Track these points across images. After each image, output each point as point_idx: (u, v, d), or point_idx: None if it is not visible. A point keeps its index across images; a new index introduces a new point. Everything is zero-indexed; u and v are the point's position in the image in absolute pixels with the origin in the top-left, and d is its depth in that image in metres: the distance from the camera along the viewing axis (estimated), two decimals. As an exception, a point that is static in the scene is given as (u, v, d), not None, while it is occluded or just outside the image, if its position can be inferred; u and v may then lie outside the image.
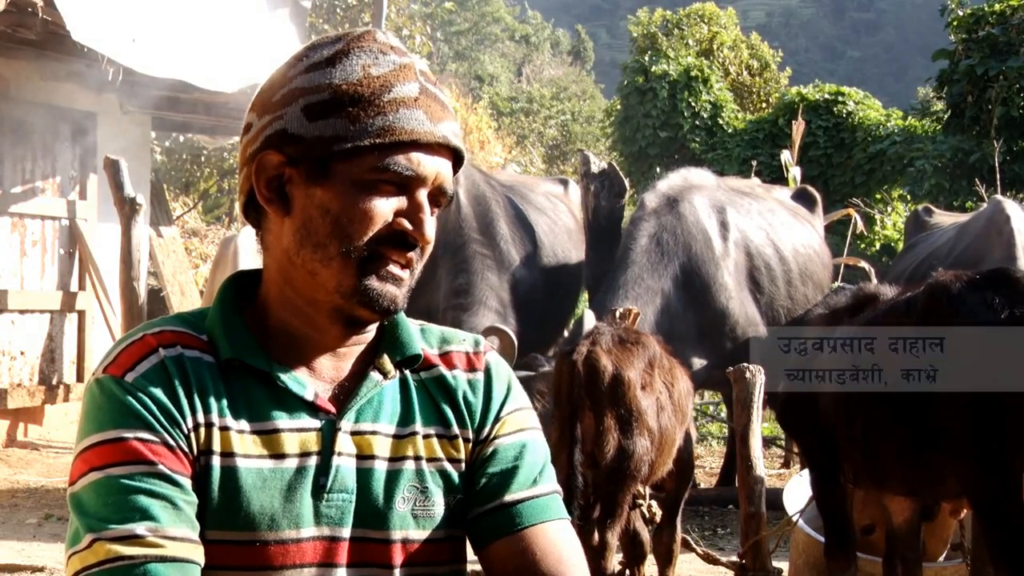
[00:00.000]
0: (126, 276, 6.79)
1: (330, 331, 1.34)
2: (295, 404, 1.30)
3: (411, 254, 1.31)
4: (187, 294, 9.93)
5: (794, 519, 4.50)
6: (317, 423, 1.30)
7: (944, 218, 7.71)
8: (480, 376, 1.41)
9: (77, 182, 9.04)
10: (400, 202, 1.29)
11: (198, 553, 1.22)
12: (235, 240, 8.90)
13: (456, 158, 1.34)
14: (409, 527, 1.32)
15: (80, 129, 9.02)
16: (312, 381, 1.33)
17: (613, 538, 4.03)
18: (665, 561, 4.45)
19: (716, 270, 6.48)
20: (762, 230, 6.93)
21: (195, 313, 1.37)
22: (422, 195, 1.30)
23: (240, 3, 9.27)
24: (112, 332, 8.43)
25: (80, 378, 8.87)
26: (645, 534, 4.38)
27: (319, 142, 1.27)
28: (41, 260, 8.74)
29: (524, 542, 1.34)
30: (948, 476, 3.58)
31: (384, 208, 1.28)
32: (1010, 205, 6.44)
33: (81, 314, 9.01)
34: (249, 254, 8.20)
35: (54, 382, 8.84)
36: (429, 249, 1.34)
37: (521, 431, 1.40)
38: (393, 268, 1.30)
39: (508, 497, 1.35)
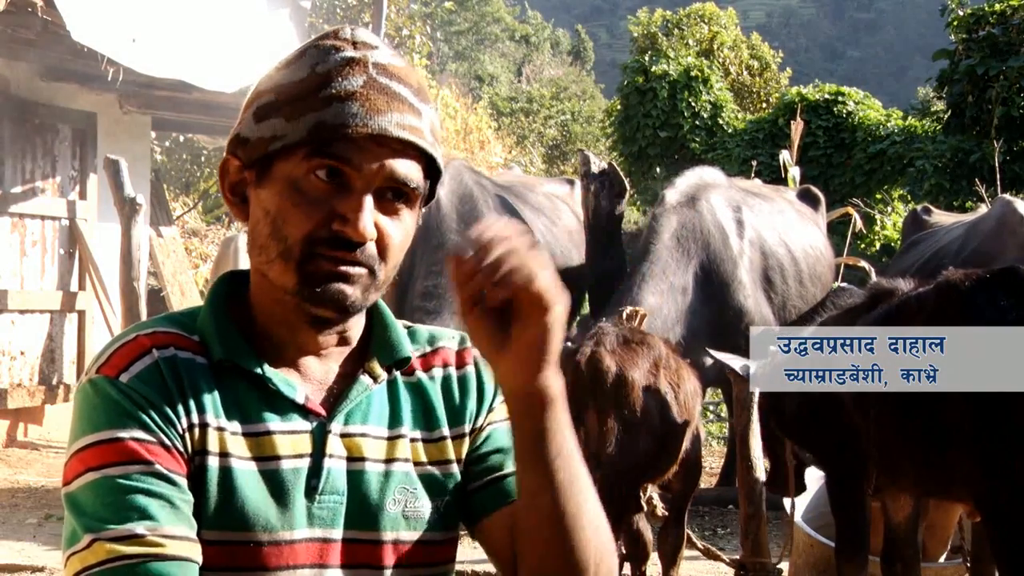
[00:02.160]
0: (126, 276, 6.80)
1: (302, 330, 1.32)
2: (286, 406, 1.30)
3: (359, 252, 1.26)
4: (187, 294, 9.92)
5: (796, 522, 4.49)
6: (308, 425, 1.30)
7: (943, 218, 7.66)
8: (470, 371, 1.41)
9: (77, 182, 9.04)
10: (338, 199, 1.25)
11: (196, 551, 1.21)
12: (235, 240, 8.90)
13: (418, 149, 1.28)
14: (400, 528, 1.32)
15: (80, 129, 9.01)
16: (302, 383, 1.32)
17: (616, 538, 4.01)
18: (670, 561, 4.43)
19: (735, 268, 6.49)
20: (774, 229, 6.93)
21: (185, 313, 1.36)
22: (362, 191, 1.25)
23: (240, 3, 9.28)
24: (112, 332, 8.43)
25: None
26: (648, 534, 4.37)
27: (260, 143, 1.27)
28: (41, 260, 8.74)
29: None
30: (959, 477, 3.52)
31: (315, 207, 1.24)
32: (1022, 205, 6.36)
33: (81, 314, 9.01)
34: (249, 254, 8.19)
35: (54, 382, 8.84)
36: (393, 245, 1.28)
37: None
38: (333, 266, 1.26)
39: (503, 472, 1.36)
